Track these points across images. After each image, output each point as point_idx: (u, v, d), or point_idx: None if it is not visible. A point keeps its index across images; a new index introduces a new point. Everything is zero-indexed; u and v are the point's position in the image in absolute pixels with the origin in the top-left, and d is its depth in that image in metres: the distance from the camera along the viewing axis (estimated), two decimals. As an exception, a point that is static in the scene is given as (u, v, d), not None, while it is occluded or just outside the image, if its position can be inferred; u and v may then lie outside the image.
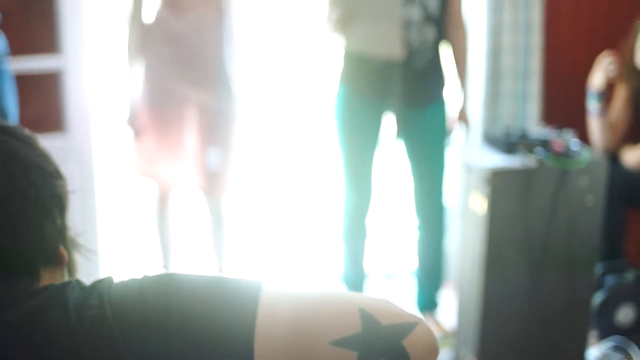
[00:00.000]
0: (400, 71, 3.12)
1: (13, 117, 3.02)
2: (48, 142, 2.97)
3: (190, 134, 3.44)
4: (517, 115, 3.86)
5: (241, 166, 3.58)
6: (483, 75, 3.85)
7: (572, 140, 3.21)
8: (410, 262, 3.96)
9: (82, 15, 3.53)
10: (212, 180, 3.50)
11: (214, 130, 3.42)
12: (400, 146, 3.43)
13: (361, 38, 3.17)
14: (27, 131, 1.23)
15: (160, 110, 3.42)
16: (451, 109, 3.47)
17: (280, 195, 4.94)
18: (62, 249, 1.19)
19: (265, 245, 4.42)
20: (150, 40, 3.39)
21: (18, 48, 3.51)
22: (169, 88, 3.38)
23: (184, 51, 3.36)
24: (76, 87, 3.57)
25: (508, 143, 3.19)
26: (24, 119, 3.54)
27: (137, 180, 3.76)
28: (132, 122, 3.46)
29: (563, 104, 4.05)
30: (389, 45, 3.10)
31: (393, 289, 3.99)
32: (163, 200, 3.67)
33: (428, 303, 3.62)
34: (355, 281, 3.61)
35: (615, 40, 3.84)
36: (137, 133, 3.48)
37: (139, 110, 3.45)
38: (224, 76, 3.39)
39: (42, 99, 3.63)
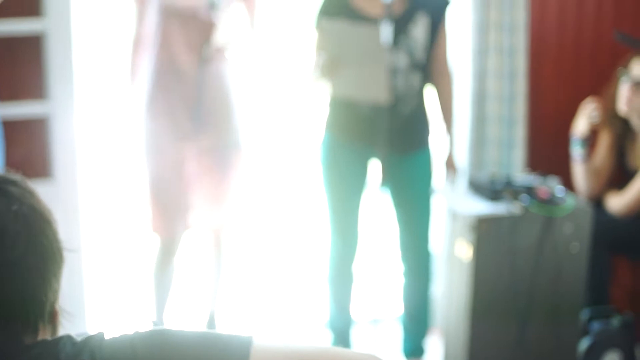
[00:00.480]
0: (385, 118, 3.14)
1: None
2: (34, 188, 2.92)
3: (199, 178, 3.41)
4: (502, 161, 3.89)
5: (240, 203, 3.55)
6: (468, 121, 3.88)
7: (557, 187, 3.24)
8: (396, 308, 3.95)
9: (71, 61, 3.54)
10: (219, 218, 3.47)
11: (221, 170, 3.41)
12: (386, 193, 3.44)
13: (347, 84, 3.19)
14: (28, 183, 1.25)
15: (167, 160, 3.39)
16: (437, 156, 3.49)
17: (268, 239, 4.94)
18: (57, 306, 1.20)
19: (253, 289, 4.41)
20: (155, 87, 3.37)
21: (5, 93, 3.53)
22: (175, 133, 3.36)
23: (189, 96, 3.34)
24: (63, 133, 3.57)
25: (493, 190, 3.21)
26: (9, 164, 3.55)
27: (147, 235, 3.59)
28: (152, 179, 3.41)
29: (548, 150, 4.08)
30: (375, 92, 3.11)
31: (379, 335, 3.98)
32: (168, 252, 3.50)
33: (414, 350, 3.61)
34: (342, 327, 3.60)
35: (598, 88, 3.89)
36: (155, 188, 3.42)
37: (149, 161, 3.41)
38: (229, 119, 3.39)
39: (29, 145, 3.63)
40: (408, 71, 3.23)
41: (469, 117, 3.88)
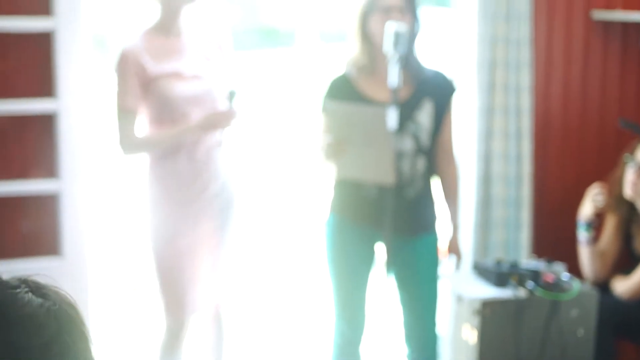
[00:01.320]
0: (391, 200, 3.15)
1: None
2: (42, 264, 2.99)
3: (207, 254, 3.41)
4: (508, 244, 3.90)
5: (238, 276, 3.54)
6: (473, 203, 3.90)
7: (562, 272, 3.24)
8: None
9: (81, 139, 3.59)
10: (219, 293, 3.46)
11: (220, 245, 3.41)
12: (391, 275, 3.43)
13: (353, 165, 3.20)
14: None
15: (177, 245, 3.36)
16: (442, 240, 3.50)
17: (270, 315, 4.93)
18: None
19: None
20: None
21: (16, 170, 3.58)
22: (185, 217, 3.34)
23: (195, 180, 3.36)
24: (73, 210, 3.61)
25: (499, 274, 3.22)
26: (19, 240, 3.59)
27: (156, 319, 3.56)
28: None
29: (553, 233, 4.10)
30: (381, 173, 3.13)
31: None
32: (177, 337, 3.45)
33: None
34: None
35: (603, 172, 3.92)
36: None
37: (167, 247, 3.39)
38: (232, 201, 3.42)
39: (39, 221, 3.67)
40: (413, 155, 3.25)
41: (474, 200, 3.90)
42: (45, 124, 3.59)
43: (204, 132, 3.20)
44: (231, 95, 3.18)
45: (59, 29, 3.50)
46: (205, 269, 3.40)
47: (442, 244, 3.48)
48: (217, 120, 3.19)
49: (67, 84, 3.53)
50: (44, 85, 3.57)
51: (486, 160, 3.92)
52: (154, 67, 3.19)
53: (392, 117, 2.97)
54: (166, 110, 3.22)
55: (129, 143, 3.22)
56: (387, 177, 3.09)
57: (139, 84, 3.19)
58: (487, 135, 3.92)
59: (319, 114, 3.33)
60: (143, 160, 3.33)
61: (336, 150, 3.12)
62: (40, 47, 3.53)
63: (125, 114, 3.19)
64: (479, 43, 3.88)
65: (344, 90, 3.26)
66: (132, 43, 3.21)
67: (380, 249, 3.39)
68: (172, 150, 3.25)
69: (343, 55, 3.38)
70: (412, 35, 3.20)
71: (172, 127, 3.22)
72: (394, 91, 2.97)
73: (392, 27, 3.01)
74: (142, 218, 3.39)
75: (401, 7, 3.16)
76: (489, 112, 3.92)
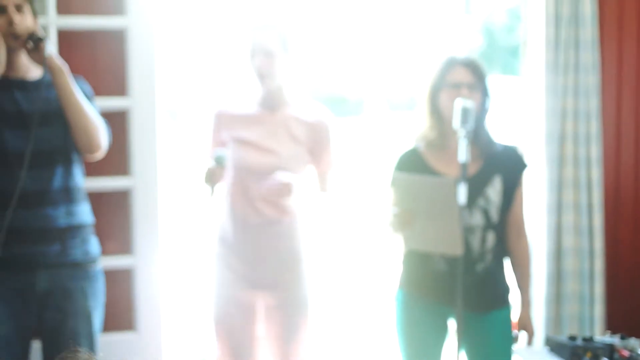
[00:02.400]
0: (460, 276, 3.13)
1: None
2: (117, 338, 3.05)
3: (266, 337, 3.43)
4: (581, 318, 3.85)
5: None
6: (544, 277, 3.87)
7: (638, 348, 3.18)
8: None
9: (155, 215, 3.68)
10: None
11: (287, 332, 3.44)
12: (463, 352, 3.40)
13: (420, 237, 3.19)
14: None
15: (234, 307, 3.42)
16: (514, 315, 3.46)
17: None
18: None
19: None
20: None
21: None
22: (242, 282, 3.40)
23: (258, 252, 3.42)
24: (147, 285, 3.68)
25: (573, 349, 3.16)
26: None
27: None
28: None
29: (627, 308, 4.03)
30: (449, 245, 3.11)
31: None
32: None
33: None
34: None
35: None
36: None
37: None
38: (298, 278, 3.45)
39: (113, 297, 3.75)
40: (483, 230, 3.24)
41: (545, 273, 3.87)
42: (121, 200, 3.69)
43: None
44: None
45: (134, 107, 3.62)
46: (268, 347, 3.42)
47: (514, 319, 3.45)
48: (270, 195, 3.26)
49: (141, 161, 3.64)
50: (120, 163, 3.68)
51: (557, 233, 3.90)
52: (241, 131, 3.33)
53: (461, 192, 2.97)
54: (236, 173, 3.34)
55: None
56: (455, 248, 3.07)
57: (225, 140, 3.34)
58: (558, 208, 3.90)
59: (388, 187, 3.35)
60: (211, 236, 3.40)
61: (404, 221, 3.12)
62: (116, 126, 3.65)
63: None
64: (547, 116, 3.89)
65: (414, 165, 3.28)
66: (225, 106, 3.37)
67: (452, 325, 3.36)
68: (236, 215, 3.35)
69: (411, 126, 3.40)
70: (482, 111, 3.22)
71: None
72: (463, 166, 2.98)
73: (460, 104, 3.04)
74: (207, 287, 3.46)
75: (470, 83, 3.18)
76: (558, 185, 3.91)
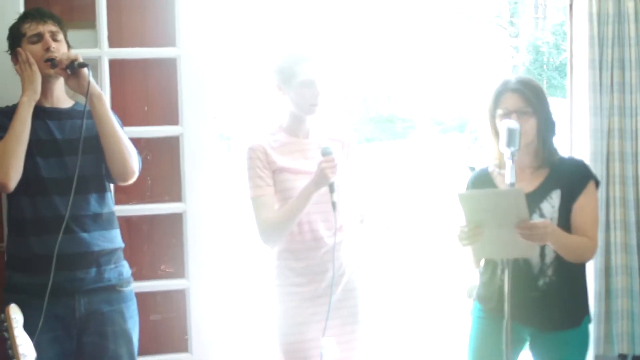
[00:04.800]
0: (522, 291, 3.12)
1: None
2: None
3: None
4: (631, 336, 3.84)
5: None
6: (593, 294, 3.87)
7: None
8: None
9: (206, 238, 3.76)
10: None
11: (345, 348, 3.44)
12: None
13: (494, 246, 3.13)
14: None
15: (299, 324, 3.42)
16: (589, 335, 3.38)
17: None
18: None
19: None
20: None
21: (145, 267, 3.77)
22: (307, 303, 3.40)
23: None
24: (200, 306, 3.77)
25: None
26: (150, 336, 3.75)
27: None
28: None
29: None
30: (523, 249, 3.08)
31: None
32: None
33: None
34: None
35: None
36: None
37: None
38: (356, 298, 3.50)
39: (167, 317, 3.84)
40: (542, 246, 3.22)
41: (595, 291, 3.88)
42: (174, 224, 3.78)
43: (318, 186, 3.26)
44: (325, 152, 3.27)
45: (185, 134, 3.72)
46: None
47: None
48: (324, 170, 3.25)
49: (193, 186, 3.73)
50: (173, 188, 3.78)
51: (605, 251, 3.90)
52: (279, 160, 3.34)
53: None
54: (283, 204, 3.34)
55: (266, 227, 3.30)
56: (529, 250, 3.08)
57: (269, 174, 3.33)
58: (606, 227, 3.91)
59: (458, 205, 3.35)
60: (268, 256, 3.45)
61: (472, 234, 3.11)
62: (169, 151, 3.75)
63: (261, 201, 3.30)
64: (591, 135, 3.92)
65: (483, 184, 3.32)
66: (259, 139, 3.36)
67: (524, 343, 3.34)
68: (291, 242, 3.37)
69: (460, 148, 3.44)
70: (542, 130, 3.22)
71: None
72: (511, 185, 3.00)
73: (505, 126, 3.08)
74: (269, 313, 3.48)
75: (519, 109, 3.19)
76: (606, 203, 3.92)
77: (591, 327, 3.81)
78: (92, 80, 3.11)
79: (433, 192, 12.28)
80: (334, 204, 3.25)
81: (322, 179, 3.23)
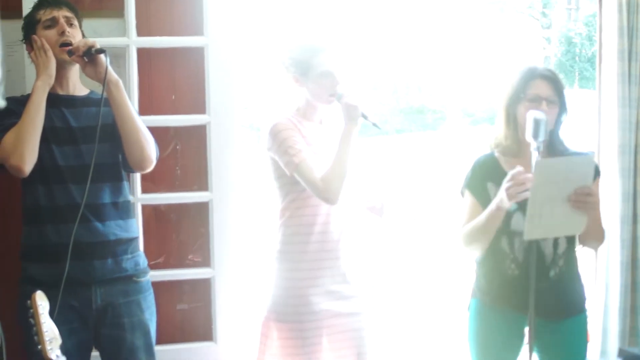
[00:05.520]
0: (533, 280, 3.12)
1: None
2: (196, 349, 3.11)
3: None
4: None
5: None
6: (618, 287, 3.85)
7: None
8: None
9: (231, 227, 3.79)
10: None
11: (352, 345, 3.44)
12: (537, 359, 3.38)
13: (547, 224, 3.13)
14: None
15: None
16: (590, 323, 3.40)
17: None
18: None
19: None
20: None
21: (173, 255, 3.80)
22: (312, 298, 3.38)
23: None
24: (225, 295, 3.80)
25: (646, 360, 3.16)
26: (176, 325, 3.78)
27: None
28: None
29: None
30: (573, 225, 3.08)
31: None
32: None
33: None
34: None
35: None
36: None
37: None
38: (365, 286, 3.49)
39: (193, 305, 3.87)
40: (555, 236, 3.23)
41: (619, 284, 3.85)
42: (201, 213, 3.81)
43: (352, 120, 3.24)
44: (339, 97, 3.28)
45: (212, 122, 3.74)
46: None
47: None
48: (348, 104, 3.24)
49: (219, 175, 3.75)
50: (200, 177, 3.80)
51: (632, 244, 3.88)
52: (305, 134, 3.34)
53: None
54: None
55: (325, 183, 3.23)
56: (579, 226, 3.07)
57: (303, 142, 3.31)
58: (632, 219, 3.89)
59: (463, 193, 3.35)
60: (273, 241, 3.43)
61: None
62: (197, 140, 3.77)
63: (307, 164, 3.25)
64: (620, 127, 3.89)
65: (490, 168, 3.30)
66: (287, 117, 3.35)
67: (526, 333, 3.35)
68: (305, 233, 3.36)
69: (489, 136, 3.43)
70: (557, 123, 3.23)
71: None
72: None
73: (532, 116, 3.06)
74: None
75: (550, 97, 3.19)
76: (633, 195, 3.90)
77: (615, 322, 3.81)
78: (109, 66, 3.08)
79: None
80: (375, 125, 3.27)
81: (353, 113, 3.24)
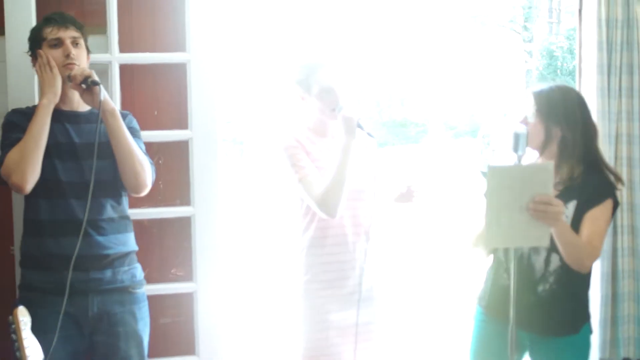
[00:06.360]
0: (524, 295, 3.12)
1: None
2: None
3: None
4: (638, 340, 3.84)
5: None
6: (599, 299, 3.88)
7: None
8: None
9: (213, 242, 3.79)
10: None
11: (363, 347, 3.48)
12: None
13: (509, 233, 3.10)
14: None
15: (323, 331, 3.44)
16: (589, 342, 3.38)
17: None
18: None
19: None
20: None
21: (154, 270, 3.80)
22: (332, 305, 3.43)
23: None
24: (208, 309, 3.79)
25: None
26: (159, 339, 3.78)
27: None
28: None
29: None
30: (537, 237, 3.06)
31: None
32: None
33: None
34: None
35: None
36: None
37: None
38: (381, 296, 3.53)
39: (175, 321, 3.87)
40: (548, 252, 3.21)
41: (600, 295, 3.88)
42: (184, 227, 3.81)
43: (349, 133, 3.30)
44: (339, 109, 3.32)
45: (194, 138, 3.75)
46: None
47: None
48: (346, 117, 3.29)
49: (201, 190, 3.76)
50: (182, 192, 3.81)
51: (612, 255, 3.91)
52: (313, 151, 3.40)
53: None
54: None
55: (323, 197, 3.29)
56: (542, 238, 3.03)
57: (308, 159, 3.37)
58: (613, 231, 3.92)
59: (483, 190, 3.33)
60: (295, 251, 3.47)
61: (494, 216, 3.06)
62: (180, 156, 3.78)
63: (309, 179, 3.32)
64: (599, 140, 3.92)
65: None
66: (290, 135, 3.41)
67: (525, 348, 3.34)
68: (321, 239, 3.41)
69: (472, 151, 3.45)
70: (566, 139, 3.21)
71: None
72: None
73: (512, 130, 3.08)
74: (293, 307, 3.49)
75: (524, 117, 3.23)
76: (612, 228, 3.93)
77: (596, 333, 3.82)
78: (106, 95, 3.16)
79: (446, 197, 12.26)
80: (369, 134, 3.33)
81: (350, 125, 3.29)
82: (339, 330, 3.43)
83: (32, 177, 3.07)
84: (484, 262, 3.40)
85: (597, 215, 3.14)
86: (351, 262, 3.45)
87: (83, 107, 3.28)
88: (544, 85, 3.30)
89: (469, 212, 3.28)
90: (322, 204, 3.29)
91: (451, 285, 6.57)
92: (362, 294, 3.45)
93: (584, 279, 3.26)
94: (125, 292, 3.28)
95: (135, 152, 3.19)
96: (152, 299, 3.70)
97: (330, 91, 3.36)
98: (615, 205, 3.20)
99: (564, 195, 3.17)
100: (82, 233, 3.09)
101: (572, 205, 3.17)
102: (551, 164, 3.02)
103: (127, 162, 3.17)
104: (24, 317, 2.62)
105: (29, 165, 3.06)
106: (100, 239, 3.20)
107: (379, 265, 3.55)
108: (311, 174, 3.34)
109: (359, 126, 3.30)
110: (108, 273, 3.21)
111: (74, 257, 3.07)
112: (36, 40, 3.23)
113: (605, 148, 3.96)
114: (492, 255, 3.38)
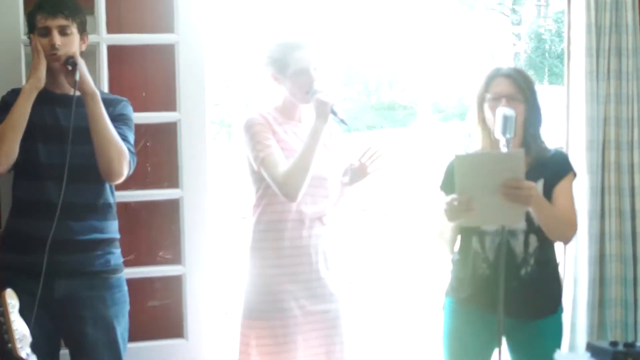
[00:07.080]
0: (503, 279, 3.13)
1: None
2: (167, 346, 3.10)
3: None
4: (624, 324, 3.86)
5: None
6: (586, 282, 3.89)
7: (679, 352, 3.19)
8: None
9: (202, 224, 3.79)
10: None
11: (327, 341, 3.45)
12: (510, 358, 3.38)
13: (482, 213, 3.09)
14: None
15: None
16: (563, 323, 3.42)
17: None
18: None
19: None
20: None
21: (143, 253, 3.80)
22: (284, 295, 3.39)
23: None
24: (196, 292, 3.80)
25: (614, 355, 3.18)
26: (147, 322, 3.78)
27: None
28: None
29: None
30: (511, 217, 3.08)
31: None
32: None
33: None
34: None
35: None
36: None
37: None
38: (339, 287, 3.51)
39: (164, 303, 3.87)
40: (525, 234, 3.23)
41: (587, 279, 3.89)
42: (172, 210, 3.81)
43: (321, 117, 3.26)
44: (312, 91, 3.28)
45: (183, 119, 3.73)
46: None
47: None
48: (319, 99, 3.26)
49: (190, 172, 3.75)
50: (170, 175, 3.80)
51: (599, 239, 3.92)
52: (279, 131, 3.36)
53: None
54: None
55: (285, 178, 3.24)
56: (515, 217, 3.08)
57: (273, 138, 3.32)
58: (601, 215, 3.92)
59: (439, 191, 3.35)
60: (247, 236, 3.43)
61: (464, 209, 3.07)
62: (168, 138, 3.77)
63: (272, 158, 3.27)
64: (588, 123, 3.93)
65: None
66: (260, 114, 3.37)
67: (498, 332, 3.35)
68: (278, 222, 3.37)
69: (461, 136, 3.45)
70: (530, 120, 3.25)
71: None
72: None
73: (500, 112, 3.08)
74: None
75: (510, 94, 3.21)
76: (601, 191, 3.93)
77: (583, 316, 3.84)
78: (88, 78, 3.16)
79: (433, 180, 12.30)
80: (342, 121, 3.29)
81: (323, 110, 3.25)
82: (294, 319, 3.37)
83: (6, 160, 3.10)
84: (447, 256, 3.39)
85: (564, 187, 3.24)
86: (306, 248, 3.39)
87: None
88: (503, 66, 3.32)
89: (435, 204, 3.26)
90: (283, 185, 3.24)
91: (419, 277, 6.56)
92: (318, 281, 3.41)
93: (556, 258, 3.33)
94: (96, 277, 3.24)
95: (114, 138, 3.17)
96: (140, 282, 3.71)
97: (305, 73, 3.30)
98: (574, 176, 3.30)
99: (531, 174, 3.16)
100: (57, 215, 3.09)
101: (540, 184, 3.21)
102: (521, 151, 3.05)
103: (103, 148, 3.15)
104: (12, 299, 2.62)
105: (3, 148, 3.09)
106: (73, 224, 3.18)
107: (336, 254, 3.50)
108: (275, 153, 3.28)
109: (333, 112, 3.28)
110: (76, 257, 3.18)
111: (49, 241, 3.08)
112: (30, 25, 3.25)
113: (594, 131, 3.95)
114: (457, 248, 3.37)
